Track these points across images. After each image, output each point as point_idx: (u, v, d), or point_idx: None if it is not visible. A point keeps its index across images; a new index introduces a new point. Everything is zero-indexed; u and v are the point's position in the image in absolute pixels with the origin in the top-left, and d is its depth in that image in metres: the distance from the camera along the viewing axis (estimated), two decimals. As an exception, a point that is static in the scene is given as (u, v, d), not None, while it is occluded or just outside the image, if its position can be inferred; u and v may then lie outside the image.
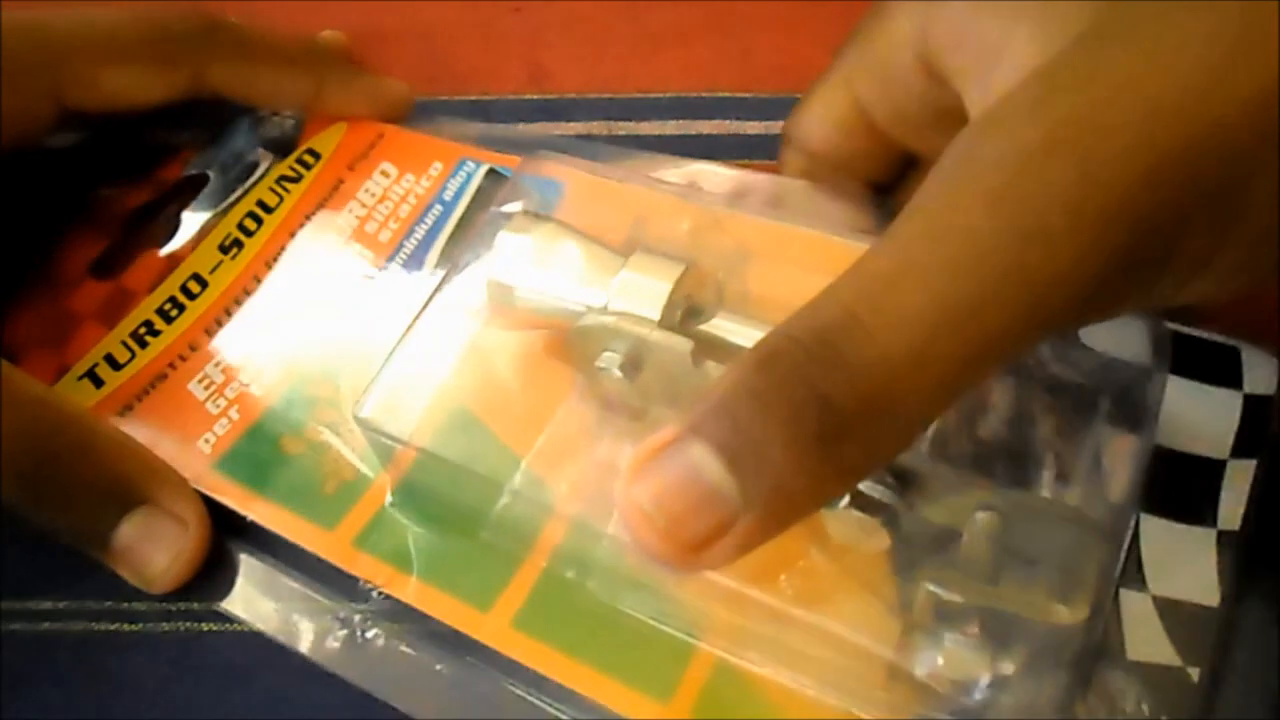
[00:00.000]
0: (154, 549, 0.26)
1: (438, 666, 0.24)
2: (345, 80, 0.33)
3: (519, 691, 0.23)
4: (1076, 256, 0.17)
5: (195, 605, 0.26)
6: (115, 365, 0.29)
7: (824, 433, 0.18)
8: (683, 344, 0.23)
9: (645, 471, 0.19)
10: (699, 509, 0.18)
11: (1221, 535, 0.22)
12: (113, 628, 0.26)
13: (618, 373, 0.24)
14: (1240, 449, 0.24)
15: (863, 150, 0.28)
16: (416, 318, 0.26)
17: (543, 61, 0.38)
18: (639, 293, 0.24)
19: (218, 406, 0.28)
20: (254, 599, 0.26)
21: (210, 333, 0.29)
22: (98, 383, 0.29)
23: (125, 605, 0.26)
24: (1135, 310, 0.20)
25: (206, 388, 0.28)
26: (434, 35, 0.38)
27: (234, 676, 0.25)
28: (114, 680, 0.25)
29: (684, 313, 0.24)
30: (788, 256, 0.27)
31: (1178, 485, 0.23)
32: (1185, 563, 0.22)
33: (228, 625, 0.26)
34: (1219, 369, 0.25)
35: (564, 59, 0.37)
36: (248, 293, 0.30)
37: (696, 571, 0.20)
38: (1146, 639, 0.21)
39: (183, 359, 0.29)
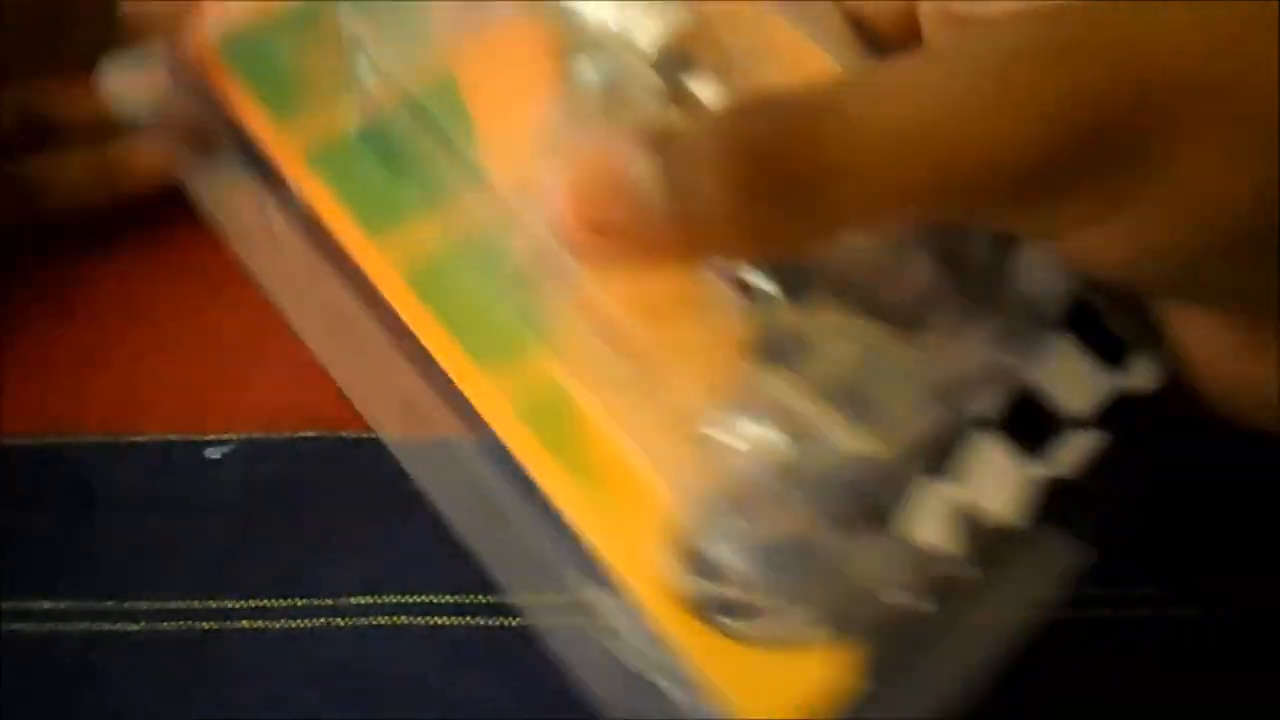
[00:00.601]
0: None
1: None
2: None
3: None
4: (1025, 137, 0.18)
5: (196, 605, 0.26)
6: None
7: (770, 189, 0.18)
8: (656, 81, 0.23)
9: (581, 160, 0.19)
10: (617, 197, 0.19)
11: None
12: (114, 628, 0.26)
13: (588, 79, 0.24)
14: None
15: None
16: None
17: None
18: (642, 22, 0.24)
19: None
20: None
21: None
22: None
23: (126, 605, 0.27)
24: (1040, 231, 0.20)
25: None
26: None
27: (235, 676, 0.26)
28: (115, 681, 0.26)
29: (674, 59, 0.24)
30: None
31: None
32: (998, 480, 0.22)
33: (228, 624, 0.26)
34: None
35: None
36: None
37: (590, 260, 0.21)
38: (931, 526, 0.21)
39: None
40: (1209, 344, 0.21)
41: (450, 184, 0.25)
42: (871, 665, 0.20)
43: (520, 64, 0.26)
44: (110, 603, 0.27)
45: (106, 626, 0.26)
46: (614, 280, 0.23)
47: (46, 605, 0.27)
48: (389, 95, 0.26)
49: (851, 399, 0.21)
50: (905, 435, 0.20)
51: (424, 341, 0.23)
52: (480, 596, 0.26)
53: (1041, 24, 0.18)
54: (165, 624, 0.26)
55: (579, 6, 0.25)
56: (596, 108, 0.24)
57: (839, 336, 0.22)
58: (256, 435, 0.29)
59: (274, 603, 0.26)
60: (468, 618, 0.26)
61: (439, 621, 0.26)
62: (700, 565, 0.21)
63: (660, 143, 0.19)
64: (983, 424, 0.21)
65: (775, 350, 0.22)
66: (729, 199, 0.18)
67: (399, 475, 0.25)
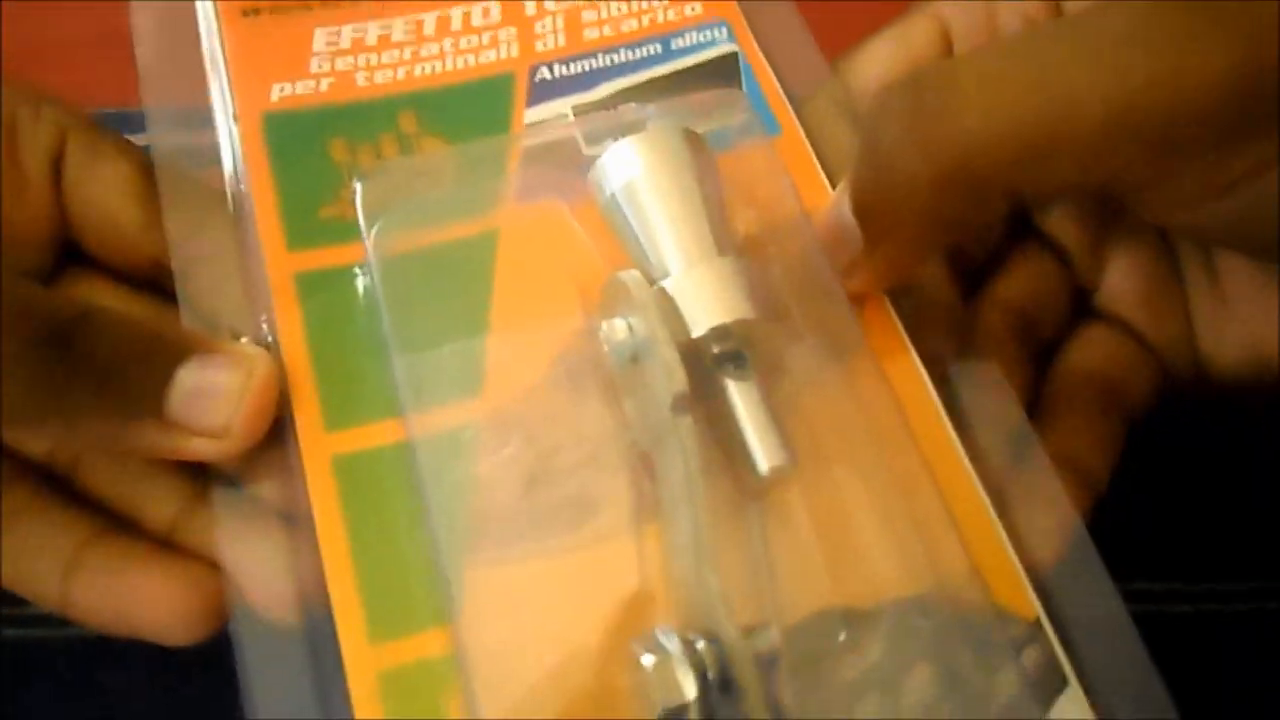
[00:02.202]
0: (222, 389, 0.21)
1: None
2: None
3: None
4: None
5: None
6: None
7: (901, 176, 0.21)
8: (680, 383, 0.20)
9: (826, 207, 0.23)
10: (839, 244, 0.23)
11: None
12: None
13: (612, 347, 0.21)
14: None
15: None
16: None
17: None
18: (696, 300, 0.21)
19: (320, 67, 0.26)
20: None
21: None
22: None
23: None
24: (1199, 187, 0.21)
25: (328, 43, 0.26)
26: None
27: (232, 678, 0.24)
28: (109, 685, 0.25)
29: (725, 354, 0.21)
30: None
31: None
32: None
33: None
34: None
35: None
36: None
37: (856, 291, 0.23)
38: None
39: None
40: None
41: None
42: None
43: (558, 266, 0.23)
44: None
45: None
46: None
47: (41, 609, 0.25)
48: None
49: None
50: None
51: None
52: None
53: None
54: None
55: (637, 249, 0.21)
56: (617, 370, 0.21)
57: None
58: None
59: None
60: None
61: None
62: None
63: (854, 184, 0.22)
64: None
65: None
66: (883, 203, 0.22)
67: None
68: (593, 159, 0.22)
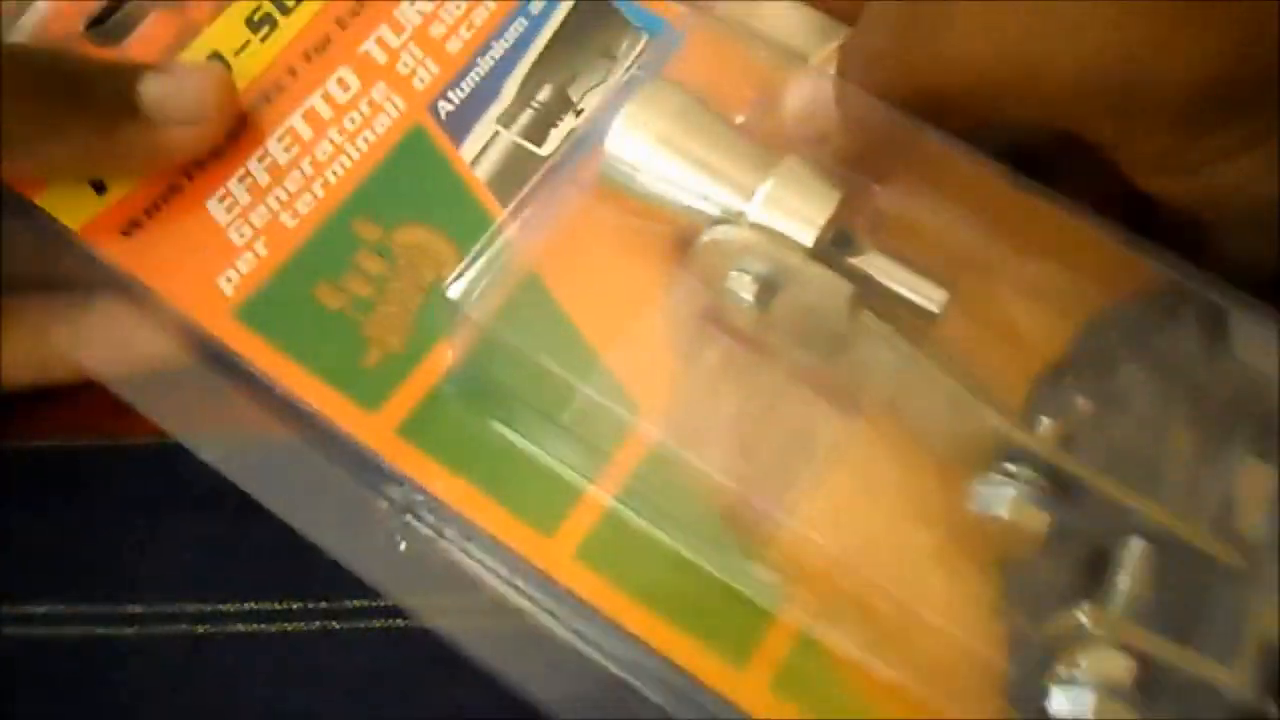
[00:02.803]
0: (186, 87, 0.24)
1: (487, 585, 0.21)
2: None
3: (578, 630, 0.21)
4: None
5: (191, 609, 0.25)
6: None
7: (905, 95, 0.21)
8: (844, 287, 0.20)
9: None
10: (808, 118, 0.22)
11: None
12: (109, 632, 0.25)
13: (748, 298, 0.21)
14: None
15: None
16: (523, 197, 0.22)
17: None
18: (789, 211, 0.21)
19: (242, 236, 0.23)
20: (278, 481, 0.22)
21: (233, 135, 0.24)
22: (100, 188, 0.24)
23: (122, 609, 0.25)
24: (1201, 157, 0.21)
25: (229, 209, 0.23)
26: None
27: (230, 680, 0.25)
28: (111, 684, 0.25)
29: (834, 239, 0.21)
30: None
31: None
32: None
33: (224, 628, 0.25)
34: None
35: None
36: (280, 88, 0.25)
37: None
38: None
39: (201, 166, 0.24)
40: None
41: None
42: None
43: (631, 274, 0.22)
44: (105, 607, 0.26)
45: (101, 631, 0.26)
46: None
47: (42, 609, 0.26)
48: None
49: (1169, 610, 0.19)
50: (1249, 642, 0.19)
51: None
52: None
53: None
54: (160, 628, 0.26)
55: (698, 203, 0.21)
56: (752, 318, 0.21)
57: (1121, 527, 0.20)
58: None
59: (270, 606, 0.26)
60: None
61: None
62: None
63: None
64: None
65: (1063, 565, 0.20)
66: None
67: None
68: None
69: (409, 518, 0.22)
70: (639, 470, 0.22)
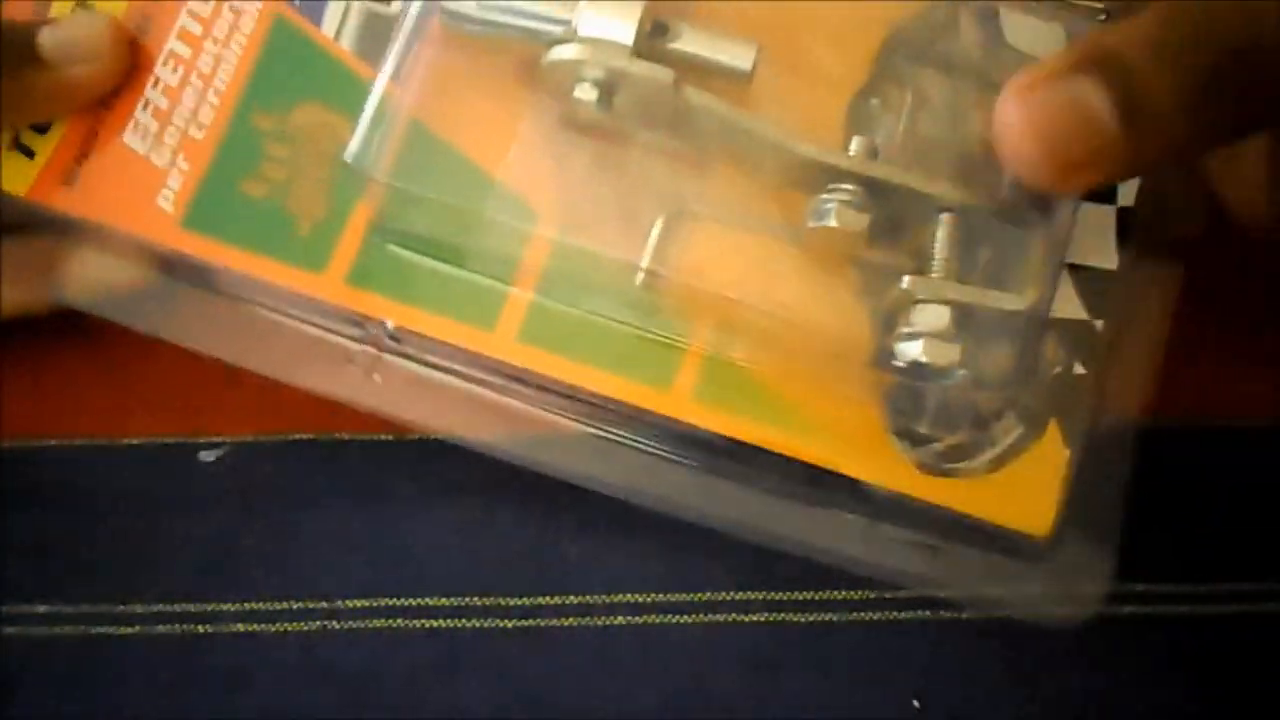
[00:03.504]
0: (80, 30, 0.26)
1: (453, 384, 0.26)
2: None
3: (529, 396, 0.26)
4: None
5: (191, 608, 0.26)
6: (39, 129, 0.27)
7: (1215, 88, 0.20)
8: (664, 74, 0.24)
9: (1028, 93, 0.21)
10: (1080, 137, 0.21)
11: (1120, 211, 0.26)
12: (108, 631, 0.26)
13: (592, 101, 0.24)
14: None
15: None
16: (388, 53, 0.25)
17: None
18: (607, 18, 0.24)
19: (162, 157, 0.27)
20: (253, 348, 0.26)
21: (127, 72, 0.27)
22: (28, 153, 0.27)
23: (121, 608, 0.26)
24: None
25: (144, 137, 0.27)
26: None
27: (230, 679, 0.26)
28: (110, 684, 0.26)
29: (651, 31, 0.25)
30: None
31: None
32: (1091, 235, 0.26)
33: (223, 627, 0.26)
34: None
35: None
36: (148, 18, 0.27)
37: (1064, 189, 0.23)
38: (1061, 298, 0.26)
39: (106, 108, 0.27)
40: None
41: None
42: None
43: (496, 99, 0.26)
44: (105, 606, 0.27)
45: (101, 630, 0.26)
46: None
47: (42, 609, 0.27)
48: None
49: (971, 263, 0.24)
50: (1035, 273, 0.24)
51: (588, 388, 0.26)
52: (475, 599, 0.27)
53: None
54: (160, 627, 0.26)
55: (531, 28, 0.24)
56: (603, 117, 0.25)
57: (930, 210, 0.24)
58: (249, 438, 0.29)
59: (269, 606, 0.27)
60: (463, 620, 0.27)
61: (434, 624, 0.27)
62: (913, 435, 0.25)
63: (1104, 71, 0.20)
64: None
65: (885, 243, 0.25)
66: (1180, 101, 0.20)
67: (392, 477, 0.27)
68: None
69: (373, 350, 0.26)
70: (548, 264, 0.26)
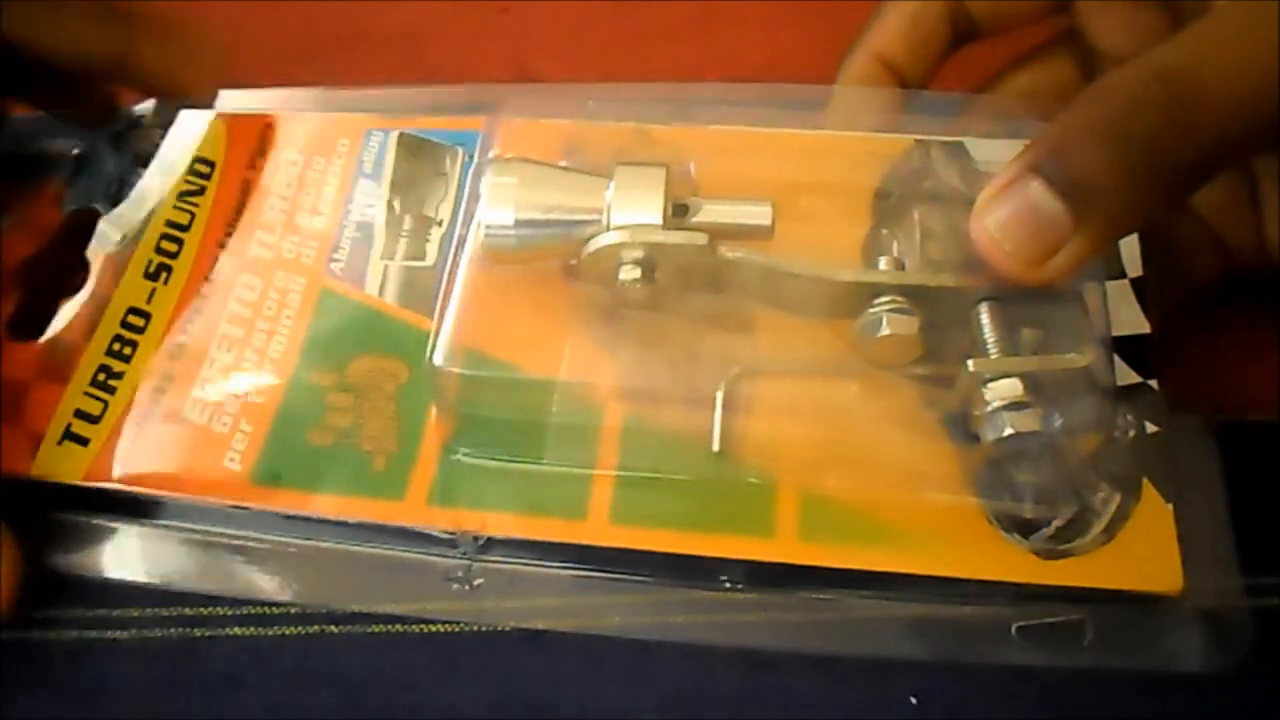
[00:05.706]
0: None
1: (556, 576, 0.26)
2: (159, 35, 0.31)
3: (634, 578, 0.26)
4: None
5: (188, 612, 0.26)
6: (91, 419, 0.27)
7: (1153, 162, 0.22)
8: (700, 237, 0.26)
9: (991, 206, 0.23)
10: (1036, 235, 0.23)
11: (1132, 281, 0.28)
12: (105, 635, 0.26)
13: (637, 278, 0.26)
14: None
15: (935, 55, 0.32)
16: (453, 272, 0.27)
17: (529, 61, 0.38)
18: (635, 203, 0.26)
19: (224, 424, 0.27)
20: (357, 588, 0.26)
21: (177, 358, 0.28)
22: (81, 441, 0.27)
23: (117, 613, 0.26)
24: None
25: (203, 411, 0.27)
26: (419, 36, 0.38)
27: (227, 683, 0.26)
28: (106, 688, 0.25)
29: (673, 211, 0.27)
30: (728, 151, 0.30)
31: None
32: (1119, 308, 0.28)
33: (220, 631, 0.26)
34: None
35: (550, 58, 0.38)
36: (198, 311, 0.29)
37: (1044, 282, 0.24)
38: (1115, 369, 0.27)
39: (161, 391, 0.28)
40: None
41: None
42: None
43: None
44: (102, 610, 0.26)
45: (98, 634, 0.26)
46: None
47: (40, 613, 0.26)
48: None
49: (1024, 337, 0.26)
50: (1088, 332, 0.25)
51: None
52: None
53: None
54: (157, 631, 0.26)
55: (570, 229, 0.27)
56: (648, 293, 0.26)
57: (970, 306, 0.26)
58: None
59: (267, 609, 0.27)
60: (460, 624, 0.27)
61: (431, 629, 0.27)
62: (1020, 525, 0.25)
63: (1047, 166, 0.22)
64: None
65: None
66: (1120, 174, 0.22)
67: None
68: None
69: (468, 562, 0.26)
70: (622, 443, 0.27)
